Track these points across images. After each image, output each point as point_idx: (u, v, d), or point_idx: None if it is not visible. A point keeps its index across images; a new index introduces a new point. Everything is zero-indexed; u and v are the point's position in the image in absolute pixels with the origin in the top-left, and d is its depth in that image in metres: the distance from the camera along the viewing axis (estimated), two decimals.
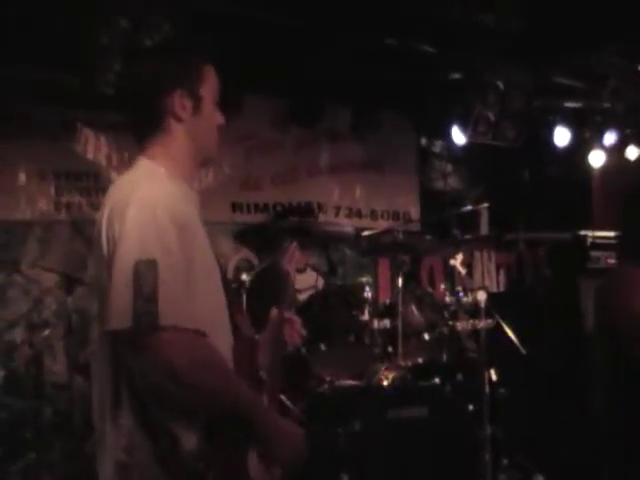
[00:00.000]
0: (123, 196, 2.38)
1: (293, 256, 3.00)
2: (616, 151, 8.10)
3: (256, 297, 5.06)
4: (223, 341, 2.50)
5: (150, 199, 2.35)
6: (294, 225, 4.93)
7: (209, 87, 2.60)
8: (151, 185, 2.42)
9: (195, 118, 2.56)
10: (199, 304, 2.34)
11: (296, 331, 2.90)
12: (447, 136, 7.72)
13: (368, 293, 5.26)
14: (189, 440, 2.32)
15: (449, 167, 8.78)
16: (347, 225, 6.66)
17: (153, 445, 2.32)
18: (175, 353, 2.22)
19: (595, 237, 6.92)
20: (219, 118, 2.65)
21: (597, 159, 8.18)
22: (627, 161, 8.05)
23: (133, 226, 2.29)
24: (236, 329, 2.59)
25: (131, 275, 2.23)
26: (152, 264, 2.24)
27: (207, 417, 2.34)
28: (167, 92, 2.52)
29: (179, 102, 2.53)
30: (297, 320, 2.91)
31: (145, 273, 2.23)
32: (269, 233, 5.30)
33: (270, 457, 2.43)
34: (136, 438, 2.33)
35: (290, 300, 2.94)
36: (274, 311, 2.86)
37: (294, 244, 3.02)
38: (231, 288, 2.70)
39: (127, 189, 2.41)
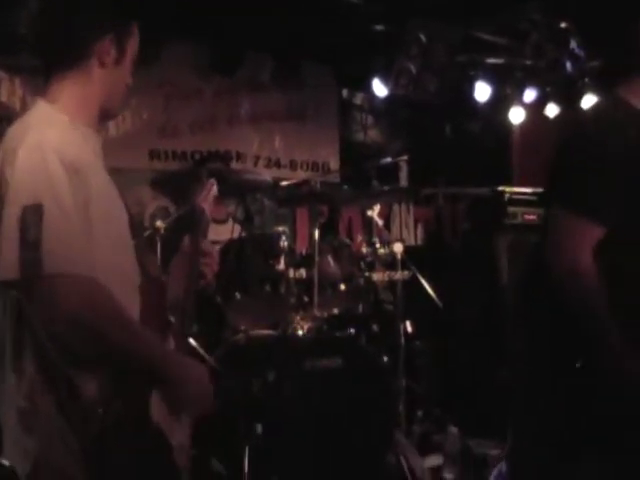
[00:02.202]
0: (15, 141, 2.32)
1: (209, 193, 2.96)
2: (536, 108, 8.16)
3: (171, 243, 5.00)
4: (127, 283, 2.46)
5: (40, 143, 2.29)
6: (211, 172, 4.85)
7: (133, 44, 2.58)
8: (43, 129, 2.36)
9: (115, 69, 2.53)
10: (96, 249, 2.30)
11: (213, 264, 2.86)
12: (368, 88, 7.68)
13: (284, 243, 5.23)
14: (89, 387, 2.29)
15: (370, 119, 8.77)
16: (265, 174, 6.60)
17: (54, 392, 2.30)
18: (62, 300, 2.18)
19: (513, 193, 6.97)
20: (130, 77, 2.63)
21: (517, 115, 8.24)
22: (546, 118, 8.12)
23: (22, 171, 2.24)
24: (144, 271, 2.56)
25: (17, 222, 2.19)
26: (38, 209, 2.19)
27: (105, 363, 2.32)
28: (99, 35, 2.48)
29: (107, 48, 2.49)
30: (215, 253, 2.87)
31: (31, 219, 2.18)
32: (186, 180, 5.22)
33: (175, 400, 2.42)
34: (37, 385, 2.31)
35: (205, 233, 2.90)
36: (186, 240, 2.83)
37: (211, 181, 2.98)
38: (140, 231, 2.64)
39: (19, 133, 2.35)
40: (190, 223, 2.91)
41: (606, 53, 6.80)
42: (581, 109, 7.25)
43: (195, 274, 2.78)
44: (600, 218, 2.85)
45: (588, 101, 7.53)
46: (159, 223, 5.05)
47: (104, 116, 2.62)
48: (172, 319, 2.60)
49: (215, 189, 2.99)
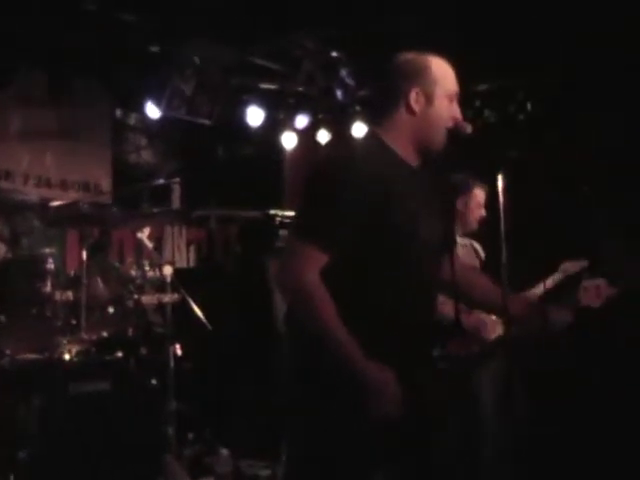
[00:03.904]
0: None
1: None
2: (308, 134, 8.34)
3: None
4: None
5: None
6: None
7: None
8: None
9: None
10: None
11: None
12: (143, 109, 7.63)
13: (51, 264, 5.13)
14: None
15: (143, 140, 8.70)
16: (34, 194, 6.45)
17: None
18: None
19: (284, 217, 7.10)
20: None
21: (289, 140, 8.40)
22: (318, 144, 8.31)
23: None
24: None
25: None
26: None
27: None
28: None
29: None
30: None
31: None
32: None
33: None
34: None
35: None
36: None
37: None
38: None
39: None
40: None
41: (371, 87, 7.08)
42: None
43: None
44: (324, 247, 2.96)
45: (358, 128, 7.78)
46: None
47: None
48: None
49: None
